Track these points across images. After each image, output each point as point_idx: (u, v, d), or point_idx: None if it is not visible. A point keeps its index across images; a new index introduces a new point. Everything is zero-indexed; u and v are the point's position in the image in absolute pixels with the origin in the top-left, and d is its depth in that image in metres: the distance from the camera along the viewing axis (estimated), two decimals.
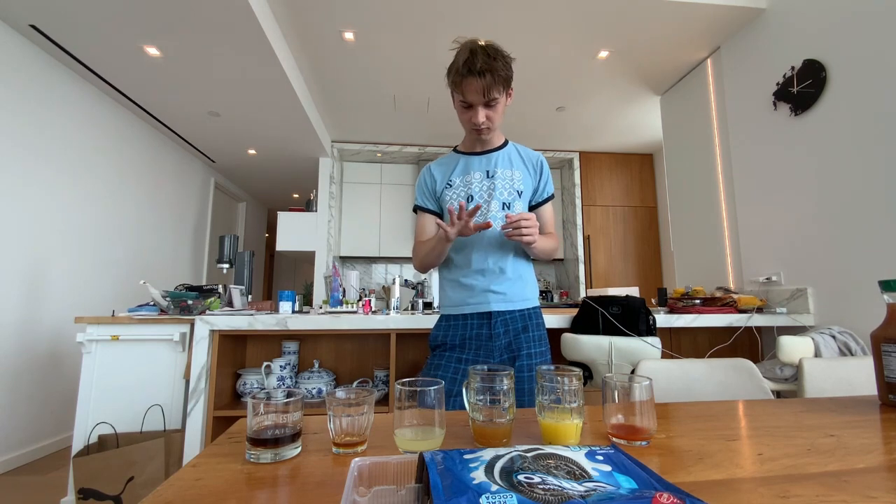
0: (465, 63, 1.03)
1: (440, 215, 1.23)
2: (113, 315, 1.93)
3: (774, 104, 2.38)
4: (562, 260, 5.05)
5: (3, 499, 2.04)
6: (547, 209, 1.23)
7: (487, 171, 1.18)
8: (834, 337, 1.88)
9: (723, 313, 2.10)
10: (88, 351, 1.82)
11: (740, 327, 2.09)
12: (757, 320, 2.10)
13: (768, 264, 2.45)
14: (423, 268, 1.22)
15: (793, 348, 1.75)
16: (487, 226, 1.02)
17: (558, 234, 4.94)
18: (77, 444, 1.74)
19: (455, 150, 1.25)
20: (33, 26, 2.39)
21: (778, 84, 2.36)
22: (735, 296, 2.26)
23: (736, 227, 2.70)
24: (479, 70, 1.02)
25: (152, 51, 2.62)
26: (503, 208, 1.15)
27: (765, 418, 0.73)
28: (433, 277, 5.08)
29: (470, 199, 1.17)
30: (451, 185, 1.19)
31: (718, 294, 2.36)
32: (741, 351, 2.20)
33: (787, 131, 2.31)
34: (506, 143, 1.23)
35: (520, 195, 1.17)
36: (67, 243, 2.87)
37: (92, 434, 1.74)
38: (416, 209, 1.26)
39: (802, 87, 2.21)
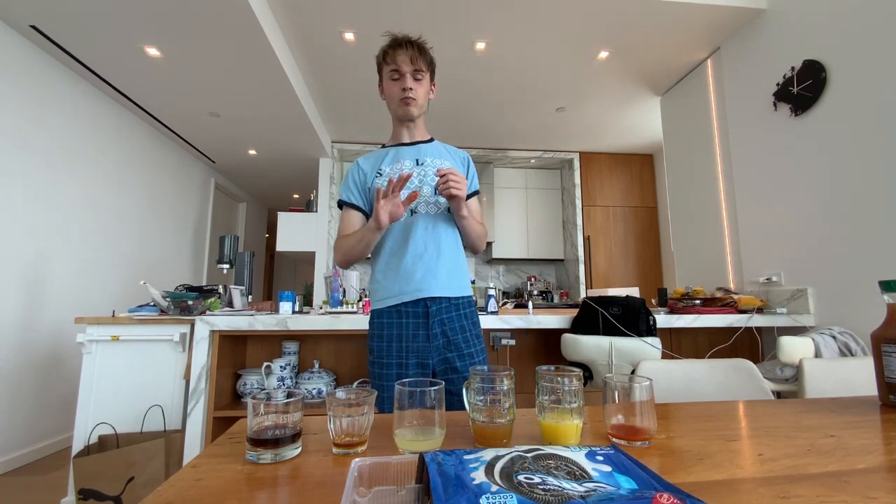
0: (394, 39, 1.18)
1: (366, 213, 1.19)
2: (113, 315, 1.94)
3: (774, 104, 2.38)
4: (562, 260, 5.05)
5: (3, 499, 2.04)
6: (473, 202, 1.24)
7: (417, 160, 1.19)
8: (834, 337, 1.88)
9: (723, 314, 2.10)
10: (89, 351, 1.82)
11: (740, 328, 2.09)
12: (757, 321, 2.10)
13: (768, 265, 2.44)
14: (346, 262, 1.16)
15: (793, 349, 1.75)
16: (415, 195, 1.03)
17: (555, 234, 4.97)
18: (77, 445, 1.74)
19: (383, 146, 1.27)
20: (34, 27, 2.39)
21: (778, 84, 2.36)
22: (735, 296, 2.26)
23: (736, 228, 2.70)
24: (406, 41, 1.16)
25: (152, 51, 2.62)
26: (434, 193, 1.15)
27: (765, 419, 0.73)
28: None
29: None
30: (381, 174, 1.18)
31: (719, 294, 2.36)
32: (741, 351, 2.20)
33: (788, 132, 2.31)
34: (432, 140, 1.28)
35: None
36: (68, 243, 2.87)
37: (92, 434, 1.74)
38: (341, 204, 1.21)
39: (802, 88, 2.21)
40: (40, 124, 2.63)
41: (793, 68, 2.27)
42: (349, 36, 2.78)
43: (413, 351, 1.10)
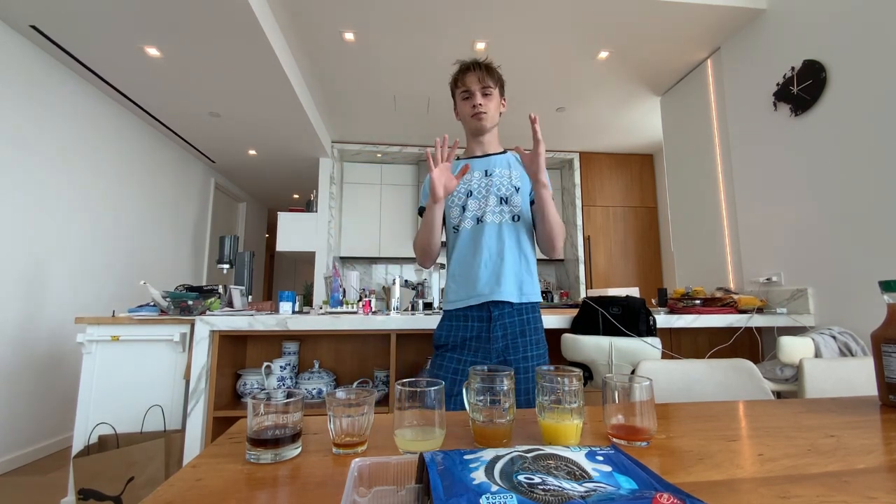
0: (463, 64, 1.28)
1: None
2: (113, 315, 1.94)
3: (775, 104, 2.38)
4: (562, 260, 5.06)
5: (3, 499, 2.04)
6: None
7: (486, 171, 1.26)
8: (834, 337, 1.88)
9: (723, 314, 2.10)
10: (89, 351, 1.82)
11: (740, 328, 2.09)
12: (757, 321, 2.10)
13: (768, 265, 2.45)
14: (421, 253, 1.25)
15: (793, 349, 1.75)
16: (465, 169, 1.15)
17: None
18: (77, 445, 1.74)
19: (457, 158, 1.36)
20: (34, 27, 2.39)
21: (778, 84, 2.36)
22: (735, 296, 2.26)
23: (736, 228, 2.70)
24: (474, 64, 1.26)
25: (153, 51, 2.62)
26: (500, 203, 1.22)
27: (765, 419, 0.73)
28: (433, 278, 5.08)
29: (469, 195, 1.24)
30: None
31: (719, 294, 2.36)
32: (741, 351, 2.20)
33: (788, 132, 2.31)
34: (504, 152, 1.33)
35: (517, 190, 1.24)
36: (67, 243, 2.87)
37: (92, 434, 1.74)
38: (421, 211, 1.32)
39: (802, 88, 2.21)
40: (40, 124, 2.63)
41: (793, 68, 2.27)
42: (349, 36, 2.78)
43: (473, 349, 1.17)
